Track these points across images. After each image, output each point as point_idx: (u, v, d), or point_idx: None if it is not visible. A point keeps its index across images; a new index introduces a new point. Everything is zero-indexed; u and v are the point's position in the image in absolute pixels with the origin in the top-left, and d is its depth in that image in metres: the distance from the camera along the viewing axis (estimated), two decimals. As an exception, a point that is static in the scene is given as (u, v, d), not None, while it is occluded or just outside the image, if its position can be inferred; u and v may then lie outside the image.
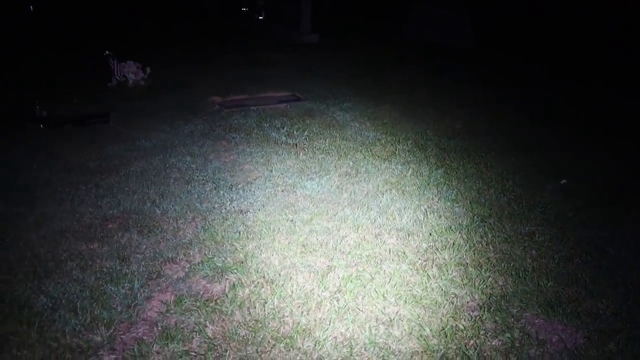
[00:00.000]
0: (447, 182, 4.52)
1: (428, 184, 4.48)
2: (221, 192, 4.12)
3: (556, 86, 8.08)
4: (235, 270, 3.16)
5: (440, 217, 3.94)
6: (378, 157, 5.03)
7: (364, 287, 3.08)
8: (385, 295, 3.01)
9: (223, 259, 3.27)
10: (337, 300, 2.95)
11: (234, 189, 4.19)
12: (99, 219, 3.69)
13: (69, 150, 4.88)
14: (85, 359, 2.50)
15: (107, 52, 7.12)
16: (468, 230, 3.77)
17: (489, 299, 3.01)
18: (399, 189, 4.36)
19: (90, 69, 7.49)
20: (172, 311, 2.83)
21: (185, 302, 2.89)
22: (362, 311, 2.88)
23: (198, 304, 2.88)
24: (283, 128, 5.63)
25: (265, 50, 9.96)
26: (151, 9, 12.79)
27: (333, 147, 5.20)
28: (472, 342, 2.69)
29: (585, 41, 9.72)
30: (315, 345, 2.61)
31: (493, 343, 2.68)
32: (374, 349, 2.61)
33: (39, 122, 5.63)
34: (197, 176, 4.39)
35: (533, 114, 6.63)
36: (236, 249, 3.38)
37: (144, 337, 2.64)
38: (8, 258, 3.23)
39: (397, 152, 5.15)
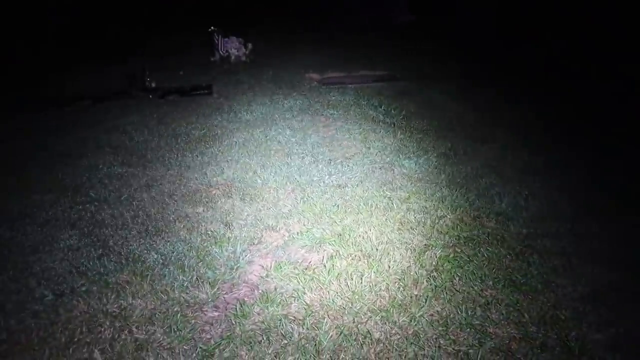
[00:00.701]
0: (549, 169, 4.29)
1: (529, 169, 4.28)
2: (320, 166, 4.16)
3: None
4: (333, 242, 3.19)
5: (542, 204, 3.76)
6: (476, 139, 4.86)
7: (461, 268, 3.00)
8: (482, 278, 2.92)
9: (321, 230, 3.31)
10: (434, 279, 2.90)
11: (332, 163, 4.22)
12: (204, 185, 3.87)
13: (175, 119, 5.13)
14: (191, 313, 2.64)
15: (212, 28, 7.38)
16: (572, 220, 3.57)
17: (593, 291, 2.83)
18: (498, 173, 4.20)
19: (195, 45, 7.82)
20: (271, 276, 2.91)
21: (284, 269, 2.96)
22: (458, 292, 2.81)
23: (296, 271, 2.94)
24: (380, 106, 5.58)
25: (362, 28, 9.90)
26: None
27: (430, 127, 5.08)
28: (573, 333, 2.55)
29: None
30: (410, 320, 2.59)
31: (596, 337, 2.53)
32: (470, 330, 2.54)
33: (149, 92, 5.96)
34: (297, 149, 4.47)
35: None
36: (334, 221, 3.41)
37: (245, 298, 2.75)
38: (123, 214, 3.47)
39: (496, 134, 4.95)
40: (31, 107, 5.56)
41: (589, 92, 6.37)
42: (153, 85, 6.13)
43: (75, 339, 2.47)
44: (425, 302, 2.72)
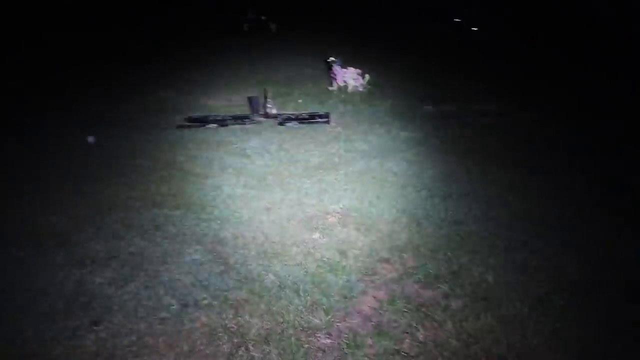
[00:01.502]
0: None
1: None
2: (436, 201, 4.10)
3: None
4: (448, 280, 3.12)
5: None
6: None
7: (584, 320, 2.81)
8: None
9: (437, 266, 3.25)
10: (557, 332, 2.73)
11: (448, 199, 4.14)
12: (321, 211, 3.96)
13: (294, 145, 5.32)
14: (305, 337, 2.69)
15: (331, 58, 7.61)
16: None
17: None
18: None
19: (314, 73, 8.09)
20: (384, 309, 2.90)
21: (397, 303, 2.93)
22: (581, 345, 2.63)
23: (410, 306, 2.91)
24: (499, 142, 5.41)
25: (475, 61, 9.69)
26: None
27: (553, 167, 4.83)
28: None
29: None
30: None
31: None
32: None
33: (270, 117, 6.25)
34: (413, 182, 4.44)
35: None
36: (450, 259, 3.33)
37: (359, 329, 2.75)
38: (244, 235, 3.64)
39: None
40: (163, 126, 6.04)
41: None
42: (274, 111, 6.41)
43: (197, 350, 2.61)
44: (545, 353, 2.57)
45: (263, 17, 6.70)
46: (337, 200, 4.11)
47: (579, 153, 5.12)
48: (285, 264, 3.28)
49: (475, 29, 12.75)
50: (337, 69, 7.49)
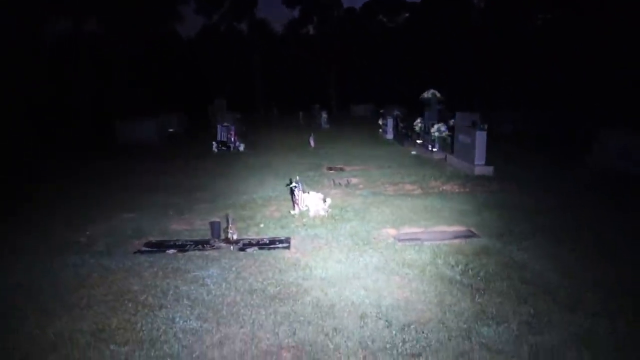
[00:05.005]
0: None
1: (628, 344, 3.91)
2: (393, 332, 4.03)
3: None
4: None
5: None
6: (562, 305, 4.57)
7: None
8: None
9: (393, 407, 3.12)
10: None
11: (406, 329, 4.08)
12: (275, 346, 3.83)
13: (253, 273, 5.26)
14: None
15: (293, 183, 7.81)
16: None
17: None
18: (591, 348, 3.86)
19: (275, 197, 8.25)
20: None
21: None
22: None
23: None
24: (457, 266, 5.47)
25: (439, 181, 10.07)
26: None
27: (511, 291, 4.86)
28: None
29: None
30: None
31: None
32: None
33: (231, 243, 6.23)
34: (370, 312, 4.39)
35: None
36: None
37: None
38: (194, 375, 3.46)
39: (584, 301, 4.63)
40: (121, 251, 5.96)
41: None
42: (235, 237, 6.41)
43: None
44: None
45: (261, 225, 6.88)
46: (292, 333, 4.00)
47: (536, 271, 5.20)
48: (235, 407, 3.11)
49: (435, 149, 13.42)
50: (298, 193, 7.66)
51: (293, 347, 3.82)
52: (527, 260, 5.69)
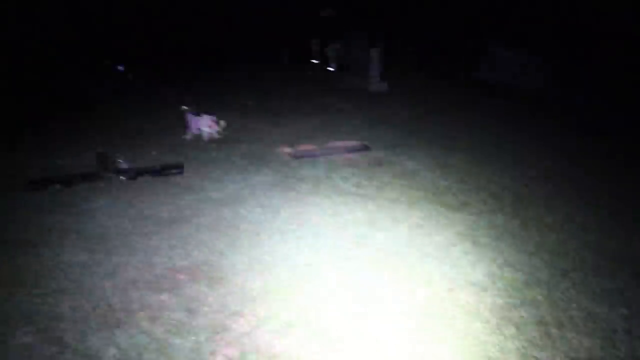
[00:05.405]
0: (523, 234, 4.31)
1: (503, 235, 4.29)
2: (289, 245, 4.09)
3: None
4: (302, 325, 3.09)
5: (517, 270, 3.75)
6: (449, 207, 4.88)
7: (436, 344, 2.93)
8: (459, 355, 2.84)
9: (288, 314, 3.21)
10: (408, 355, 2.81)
11: (301, 241, 4.16)
12: (169, 270, 3.76)
13: (145, 200, 5.06)
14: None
15: (184, 107, 7.47)
16: (548, 285, 3.55)
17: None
18: (472, 241, 4.19)
19: (168, 123, 7.87)
20: (236, 367, 2.79)
21: (249, 358, 2.84)
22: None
23: (263, 358, 2.83)
24: (352, 178, 5.61)
25: (334, 99, 10.10)
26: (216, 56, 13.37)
27: (403, 197, 5.10)
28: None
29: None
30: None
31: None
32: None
33: (121, 173, 5.92)
34: (266, 228, 4.41)
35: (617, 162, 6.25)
36: (304, 304, 3.32)
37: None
38: (84, 307, 3.33)
39: (469, 202, 4.98)
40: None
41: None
42: (125, 166, 6.09)
43: None
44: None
45: (153, 152, 6.28)
46: (187, 255, 3.94)
47: (428, 178, 5.46)
48: (129, 333, 3.04)
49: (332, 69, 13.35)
50: (190, 116, 7.36)
51: (188, 268, 3.77)
52: (418, 169, 5.95)
